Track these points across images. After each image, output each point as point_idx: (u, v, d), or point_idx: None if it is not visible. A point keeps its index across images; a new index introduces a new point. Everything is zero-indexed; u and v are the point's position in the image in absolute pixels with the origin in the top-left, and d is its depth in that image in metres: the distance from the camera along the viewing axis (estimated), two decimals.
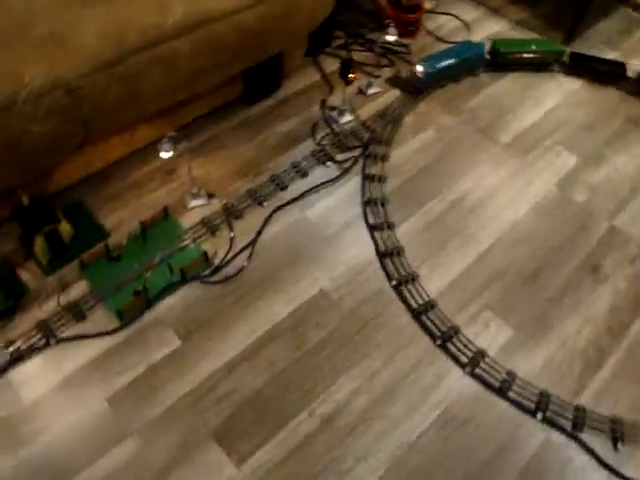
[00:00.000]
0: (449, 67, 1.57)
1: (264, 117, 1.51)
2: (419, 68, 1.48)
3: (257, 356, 1.14)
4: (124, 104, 1.16)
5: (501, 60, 1.67)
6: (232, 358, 1.14)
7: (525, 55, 1.67)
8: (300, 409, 1.09)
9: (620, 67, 1.67)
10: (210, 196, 1.33)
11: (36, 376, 1.11)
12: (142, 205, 1.33)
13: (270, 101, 1.55)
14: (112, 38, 1.10)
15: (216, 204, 1.33)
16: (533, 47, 1.68)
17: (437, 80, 1.58)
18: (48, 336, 1.15)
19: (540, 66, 1.70)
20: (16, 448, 1.03)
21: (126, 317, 1.16)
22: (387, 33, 1.45)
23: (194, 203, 1.31)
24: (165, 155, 1.19)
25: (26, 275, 1.23)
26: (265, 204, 1.33)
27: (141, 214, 1.31)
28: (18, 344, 1.14)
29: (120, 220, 1.31)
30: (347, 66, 1.39)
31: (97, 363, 1.13)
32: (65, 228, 1.22)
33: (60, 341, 1.15)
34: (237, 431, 1.06)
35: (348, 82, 1.40)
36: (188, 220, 1.31)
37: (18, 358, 1.13)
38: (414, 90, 1.56)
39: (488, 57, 1.68)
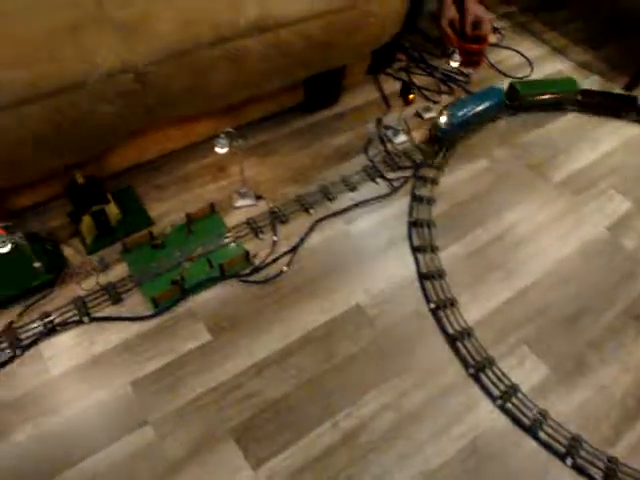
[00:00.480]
0: (473, 115, 1.52)
1: (319, 128, 1.52)
2: (442, 119, 1.44)
3: (286, 361, 1.12)
4: (188, 96, 1.17)
5: (522, 103, 1.63)
6: (261, 360, 1.13)
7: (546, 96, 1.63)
8: (323, 420, 1.07)
9: None
10: (258, 197, 1.33)
11: (66, 351, 1.12)
12: (189, 199, 1.34)
13: (327, 113, 1.55)
14: (186, 29, 1.11)
15: (262, 206, 1.34)
16: (552, 88, 1.65)
17: (460, 130, 1.52)
18: (83, 313, 1.15)
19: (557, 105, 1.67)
20: (38, 417, 1.04)
21: (160, 305, 1.16)
22: (452, 59, 1.45)
23: (241, 203, 1.31)
24: (220, 150, 1.20)
25: (69, 251, 1.24)
26: (311, 212, 1.32)
27: (187, 207, 1.31)
28: (53, 317, 1.14)
29: (166, 210, 1.31)
30: (408, 87, 1.39)
31: (127, 346, 1.13)
32: (113, 210, 1.23)
33: (94, 320, 1.15)
34: (257, 434, 1.04)
35: (408, 102, 1.40)
36: (233, 219, 1.31)
37: (51, 331, 1.13)
38: (435, 140, 1.50)
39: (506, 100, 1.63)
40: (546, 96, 1.63)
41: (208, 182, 1.37)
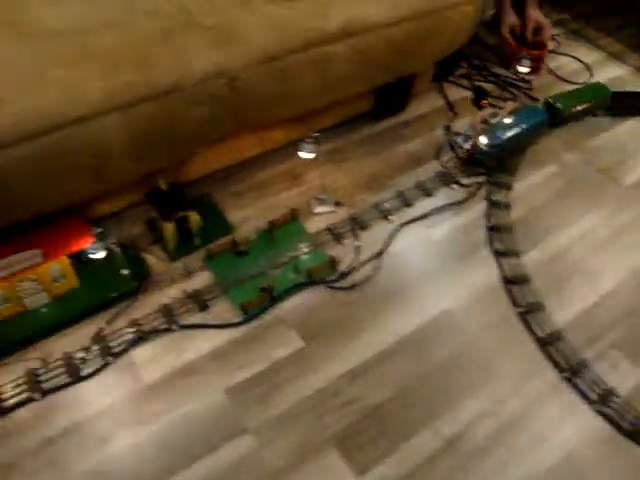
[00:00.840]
0: (516, 136, 1.46)
1: (388, 135, 1.51)
2: (482, 140, 1.38)
3: (380, 368, 1.10)
4: (275, 101, 1.17)
5: (563, 117, 1.58)
6: (355, 366, 1.11)
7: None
8: (423, 427, 1.04)
9: None
10: (336, 204, 1.31)
11: (157, 359, 1.10)
12: (267, 206, 1.33)
13: (394, 120, 1.55)
14: (276, 35, 1.11)
15: (341, 212, 1.32)
16: (587, 96, 1.61)
17: (501, 152, 1.45)
18: (170, 321, 1.13)
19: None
20: (135, 426, 1.01)
21: (250, 312, 1.14)
22: (521, 64, 1.45)
23: (320, 209, 1.30)
24: (306, 155, 1.19)
25: (150, 259, 1.22)
26: (390, 218, 1.31)
27: (266, 214, 1.30)
28: (141, 325, 1.12)
29: (245, 217, 1.30)
30: (481, 92, 1.38)
31: (218, 354, 1.11)
32: (195, 217, 1.22)
33: (182, 327, 1.13)
34: (358, 441, 1.02)
35: (480, 108, 1.40)
36: (313, 225, 1.30)
37: (140, 339, 1.11)
38: (474, 162, 1.45)
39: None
40: (583, 106, 1.60)
41: (284, 189, 1.36)
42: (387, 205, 1.33)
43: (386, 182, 1.40)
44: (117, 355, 1.10)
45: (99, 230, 1.05)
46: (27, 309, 1.12)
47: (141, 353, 1.11)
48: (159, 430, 1.02)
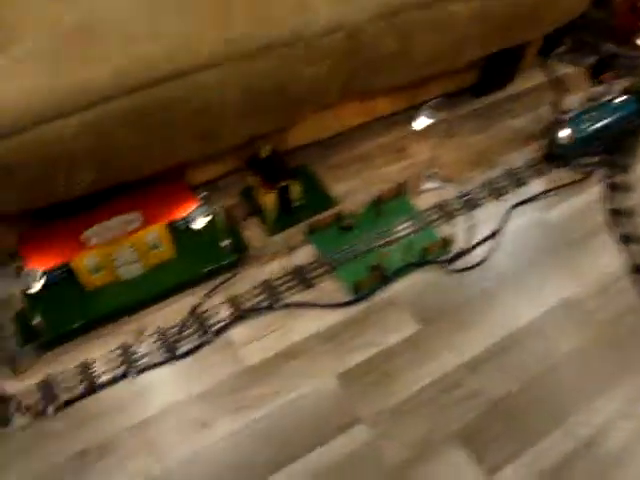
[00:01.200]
0: (602, 128, 1.29)
1: (493, 110, 1.40)
2: (561, 133, 1.24)
3: (504, 358, 1.00)
4: (392, 61, 1.07)
5: None
6: (476, 355, 1.00)
7: None
8: (554, 425, 0.94)
9: None
10: (445, 180, 1.21)
11: (259, 339, 1.01)
12: (370, 179, 1.23)
13: (499, 95, 1.43)
14: None
15: (450, 190, 1.21)
16: None
17: (582, 147, 1.29)
18: (273, 299, 1.04)
19: None
20: (237, 413, 0.93)
21: (361, 292, 1.04)
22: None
23: (428, 185, 1.20)
24: (420, 125, 1.08)
25: (246, 232, 1.13)
26: (502, 198, 1.20)
27: (370, 188, 1.20)
28: (241, 301, 1.03)
29: (347, 190, 1.20)
30: (602, 65, 1.26)
31: (326, 336, 1.01)
32: (296, 188, 1.12)
33: (286, 306, 1.03)
34: (485, 437, 0.92)
35: (600, 82, 1.27)
36: (421, 201, 1.20)
37: (240, 316, 1.02)
38: (551, 158, 1.30)
39: None
40: None
41: (388, 162, 1.26)
42: (497, 184, 1.22)
43: (495, 159, 1.28)
44: (215, 333, 1.01)
45: (205, 194, 0.96)
46: (119, 279, 1.03)
47: (241, 332, 1.02)
48: (262, 418, 0.92)
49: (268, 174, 1.09)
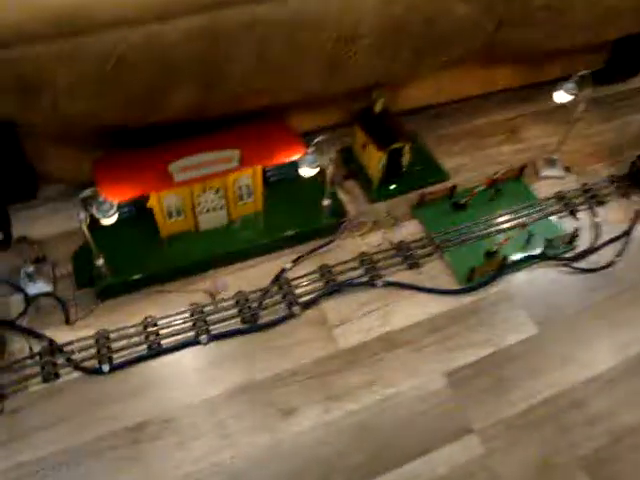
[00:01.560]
0: None
1: (620, 100, 1.24)
2: None
3: (634, 379, 0.84)
4: (546, 17, 0.91)
5: None
6: (605, 372, 0.85)
7: None
8: None
9: None
10: (566, 169, 1.05)
11: (355, 318, 0.86)
12: (484, 157, 1.08)
13: (619, 87, 1.28)
14: None
15: (571, 181, 1.06)
16: None
17: None
18: (373, 275, 0.88)
19: None
20: (329, 401, 0.79)
21: (473, 280, 0.88)
22: None
23: (548, 172, 1.05)
24: (562, 99, 0.93)
25: (344, 196, 0.97)
26: (633, 198, 1.04)
27: (483, 167, 1.06)
28: (335, 272, 0.88)
29: (458, 166, 1.06)
30: None
31: (431, 326, 0.87)
32: (407, 152, 0.96)
33: (387, 285, 0.88)
34: (613, 470, 0.76)
35: None
36: (539, 189, 1.04)
37: (334, 290, 0.86)
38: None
39: None
40: None
41: (500, 142, 1.11)
42: (625, 182, 1.06)
43: (623, 154, 1.13)
44: (304, 306, 0.85)
45: (320, 138, 0.80)
46: (198, 229, 0.88)
47: (334, 308, 0.87)
48: (355, 412, 0.78)
49: (380, 132, 0.94)
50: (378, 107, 0.95)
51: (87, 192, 0.72)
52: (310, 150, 0.80)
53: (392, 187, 0.98)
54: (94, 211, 0.74)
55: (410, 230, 0.95)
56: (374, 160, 0.94)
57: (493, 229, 0.95)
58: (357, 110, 0.96)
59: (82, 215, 0.73)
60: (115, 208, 0.74)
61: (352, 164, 1.00)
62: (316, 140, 0.80)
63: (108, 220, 0.75)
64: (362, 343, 0.83)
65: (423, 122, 1.08)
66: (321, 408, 0.78)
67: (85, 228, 0.75)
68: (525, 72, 1.11)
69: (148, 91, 0.71)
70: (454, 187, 0.96)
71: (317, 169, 0.82)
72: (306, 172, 0.82)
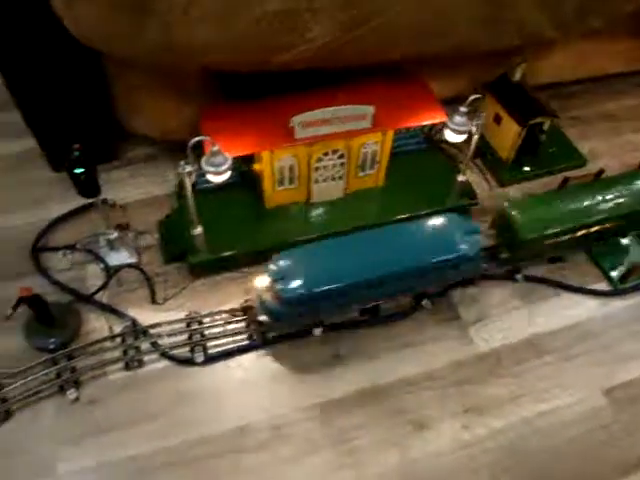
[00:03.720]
0: None
1: None
2: None
3: None
4: None
5: None
6: None
7: None
8: None
9: None
10: None
11: (494, 316, 0.73)
12: (619, 144, 0.94)
13: None
14: None
15: None
16: None
17: None
18: (510, 268, 0.74)
19: None
20: (472, 414, 0.65)
21: (629, 282, 0.74)
22: None
23: None
24: None
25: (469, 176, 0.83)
26: None
27: (620, 155, 0.91)
28: None
29: (590, 150, 0.91)
30: None
31: (583, 332, 0.74)
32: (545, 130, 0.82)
33: (527, 279, 0.74)
34: None
35: None
36: None
37: (466, 281, 0.72)
38: None
39: None
40: None
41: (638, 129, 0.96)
42: None
43: None
44: (432, 297, 0.71)
45: (473, 97, 0.66)
46: (309, 202, 0.74)
47: (468, 302, 0.73)
48: (503, 430, 0.64)
49: (517, 104, 0.80)
50: (517, 74, 0.81)
51: (197, 139, 0.58)
52: (462, 110, 0.66)
53: (526, 169, 0.83)
54: (203, 164, 0.60)
55: None
56: (508, 136, 0.81)
57: None
58: (486, 81, 0.82)
59: (188, 167, 0.60)
60: (229, 163, 0.60)
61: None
62: (470, 99, 0.65)
63: (219, 177, 0.61)
64: (504, 346, 0.70)
65: (554, 102, 0.93)
66: (459, 423, 0.63)
67: (188, 184, 0.61)
68: None
69: (286, 16, 0.57)
70: (601, 172, 0.81)
71: (464, 135, 0.68)
72: (452, 137, 0.68)
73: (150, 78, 0.71)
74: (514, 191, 0.84)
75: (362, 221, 0.75)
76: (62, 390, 0.63)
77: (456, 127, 0.67)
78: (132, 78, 0.72)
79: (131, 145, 0.85)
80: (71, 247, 0.74)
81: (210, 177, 0.62)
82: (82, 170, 0.61)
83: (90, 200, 0.68)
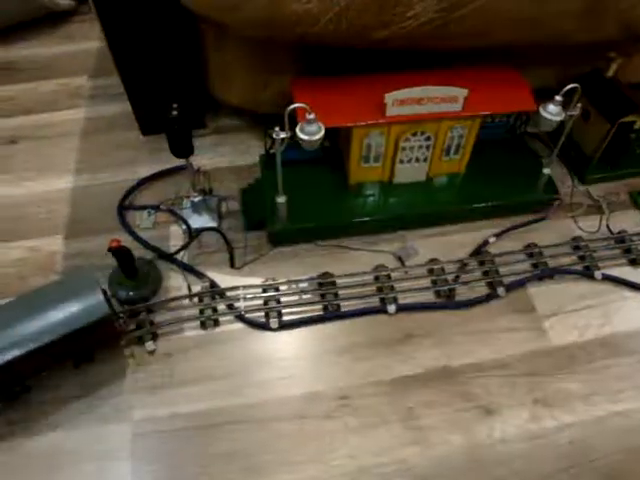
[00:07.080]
0: None
1: None
2: None
3: None
4: None
5: None
6: None
7: None
8: None
9: None
10: None
11: (568, 311, 0.71)
12: None
13: None
14: None
15: None
16: None
17: None
18: (588, 264, 0.72)
19: None
20: (540, 406, 0.64)
21: None
22: None
23: None
24: None
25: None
26: None
27: None
28: (543, 256, 0.72)
29: None
30: None
31: None
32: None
33: (605, 278, 0.72)
34: None
35: None
36: None
37: (544, 275, 0.71)
38: None
39: None
40: None
41: None
42: None
43: None
44: (508, 287, 0.70)
45: (570, 86, 0.65)
46: (391, 182, 0.74)
47: (544, 295, 0.72)
48: (574, 425, 0.63)
49: (607, 101, 0.78)
50: (612, 70, 0.79)
51: (294, 106, 0.60)
52: (557, 99, 0.65)
53: (612, 168, 0.81)
54: (298, 131, 0.61)
55: (636, 220, 0.79)
56: (596, 133, 0.79)
57: None
58: (576, 75, 0.81)
59: (282, 134, 0.61)
60: (323, 132, 0.61)
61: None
62: (566, 88, 0.65)
63: (310, 147, 0.62)
64: (579, 343, 0.68)
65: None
66: (528, 413, 0.62)
67: (279, 151, 0.63)
68: None
69: None
70: None
71: (555, 125, 0.67)
72: (544, 125, 0.67)
73: (244, 52, 0.72)
74: (595, 190, 0.83)
75: (444, 206, 0.75)
76: (140, 341, 0.65)
77: (549, 116, 0.67)
78: (227, 51, 0.73)
79: (218, 116, 0.86)
80: (156, 207, 0.76)
81: (304, 143, 0.63)
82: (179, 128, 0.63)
83: (181, 161, 0.70)
